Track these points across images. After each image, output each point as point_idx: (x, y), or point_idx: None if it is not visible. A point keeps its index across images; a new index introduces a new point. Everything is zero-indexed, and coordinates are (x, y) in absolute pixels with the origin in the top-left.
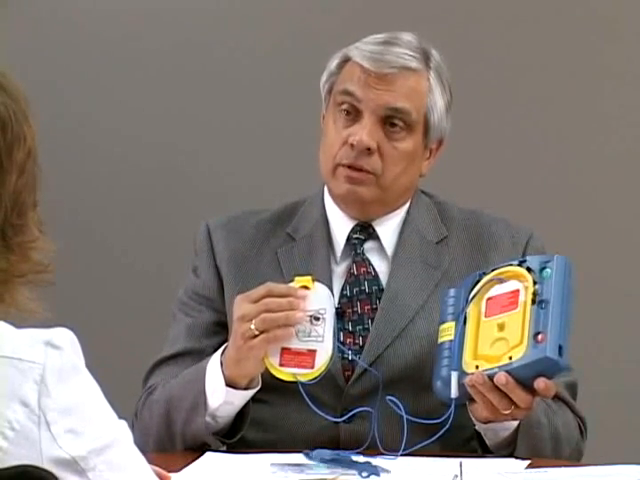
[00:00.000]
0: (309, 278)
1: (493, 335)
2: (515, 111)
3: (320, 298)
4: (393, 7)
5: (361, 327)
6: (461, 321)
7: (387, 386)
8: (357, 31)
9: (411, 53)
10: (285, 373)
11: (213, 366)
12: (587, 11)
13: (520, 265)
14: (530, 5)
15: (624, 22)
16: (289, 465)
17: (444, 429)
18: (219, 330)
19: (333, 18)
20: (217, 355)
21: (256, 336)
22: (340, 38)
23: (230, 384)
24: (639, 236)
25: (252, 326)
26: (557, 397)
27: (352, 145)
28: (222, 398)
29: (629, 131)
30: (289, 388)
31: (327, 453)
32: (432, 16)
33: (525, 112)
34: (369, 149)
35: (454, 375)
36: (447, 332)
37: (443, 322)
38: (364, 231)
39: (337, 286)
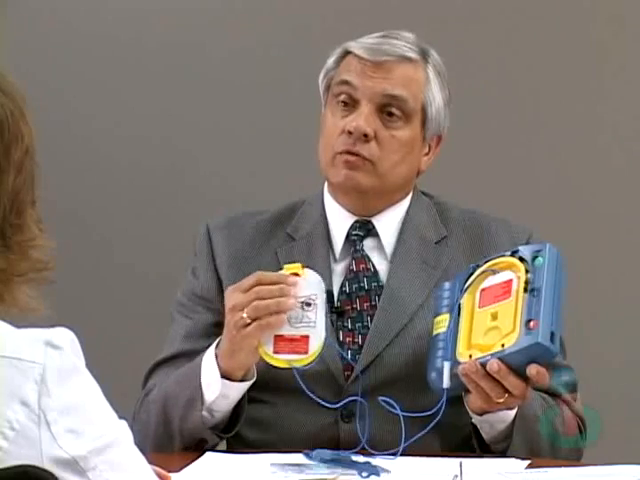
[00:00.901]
0: (299, 265)
1: (486, 324)
2: (515, 111)
3: (310, 284)
4: (393, 7)
5: (360, 324)
6: (455, 312)
7: (386, 385)
8: (357, 31)
9: (409, 45)
10: (280, 360)
11: (208, 360)
12: (587, 11)
13: (513, 255)
14: (530, 5)
15: (625, 22)
16: (289, 465)
17: (437, 418)
18: (217, 331)
19: (333, 18)
20: (212, 348)
21: (249, 324)
22: (340, 38)
23: (225, 376)
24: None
25: (244, 315)
26: (556, 396)
27: (350, 132)
28: (218, 391)
29: (629, 131)
30: (289, 388)
31: (327, 453)
32: (432, 16)
33: (525, 112)
34: (366, 135)
35: (446, 365)
36: (441, 324)
37: (437, 314)
38: (363, 227)
39: (337, 284)
